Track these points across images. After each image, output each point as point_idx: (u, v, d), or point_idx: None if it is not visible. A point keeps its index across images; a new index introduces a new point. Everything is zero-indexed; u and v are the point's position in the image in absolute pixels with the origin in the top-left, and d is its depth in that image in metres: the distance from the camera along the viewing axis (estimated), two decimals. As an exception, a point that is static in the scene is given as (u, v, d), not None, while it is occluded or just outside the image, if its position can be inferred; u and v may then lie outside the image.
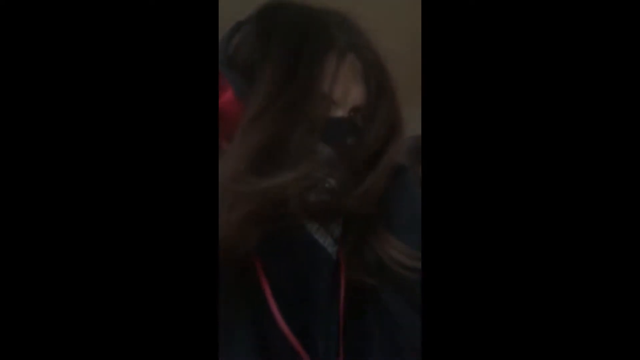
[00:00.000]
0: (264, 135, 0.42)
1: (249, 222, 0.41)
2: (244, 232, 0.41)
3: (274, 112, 0.43)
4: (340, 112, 0.47)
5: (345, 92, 0.47)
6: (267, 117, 0.43)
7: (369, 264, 0.47)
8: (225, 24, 0.46)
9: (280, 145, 0.42)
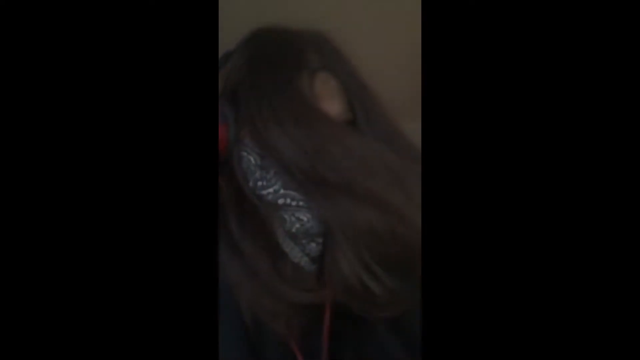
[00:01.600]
0: None
1: None
2: None
3: None
4: None
5: (329, 108, 0.48)
6: None
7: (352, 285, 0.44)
8: (225, 23, 0.47)
9: None
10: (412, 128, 0.51)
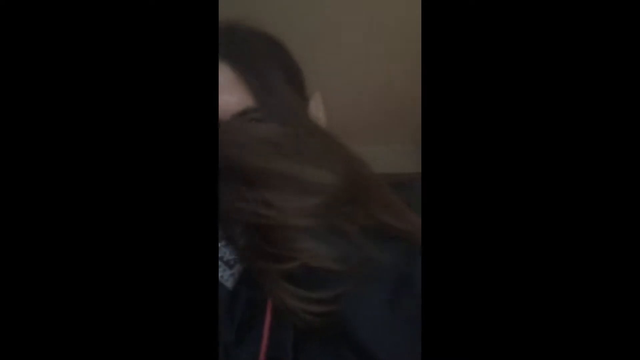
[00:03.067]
0: None
1: None
2: None
3: None
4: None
5: (227, 100, 0.46)
6: None
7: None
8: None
9: None
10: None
